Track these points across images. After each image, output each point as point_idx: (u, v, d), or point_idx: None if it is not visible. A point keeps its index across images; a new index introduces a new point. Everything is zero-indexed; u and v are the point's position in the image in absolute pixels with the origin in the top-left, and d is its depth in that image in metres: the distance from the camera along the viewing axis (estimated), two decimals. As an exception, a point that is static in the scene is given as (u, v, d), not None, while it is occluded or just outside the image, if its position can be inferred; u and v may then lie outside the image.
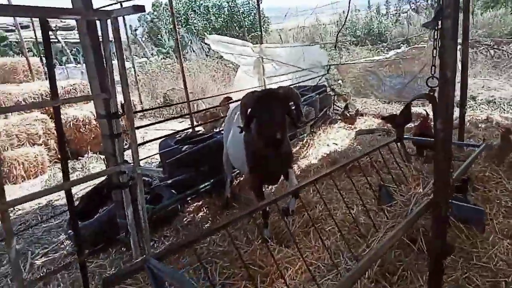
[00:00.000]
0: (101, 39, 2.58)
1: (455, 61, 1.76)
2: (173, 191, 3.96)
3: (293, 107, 2.82)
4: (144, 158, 5.27)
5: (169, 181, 3.92)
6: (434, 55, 2.13)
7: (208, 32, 17.69)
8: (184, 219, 3.81)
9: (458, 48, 4.92)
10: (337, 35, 7.33)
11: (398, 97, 7.55)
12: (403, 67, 7.33)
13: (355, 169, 4.11)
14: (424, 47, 7.18)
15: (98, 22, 2.44)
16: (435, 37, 2.05)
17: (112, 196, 3.27)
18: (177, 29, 6.76)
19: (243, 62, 8.43)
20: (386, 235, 2.44)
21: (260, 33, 8.43)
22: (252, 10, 20.10)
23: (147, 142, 4.21)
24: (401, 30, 18.94)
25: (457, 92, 4.70)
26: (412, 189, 2.90)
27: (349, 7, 7.49)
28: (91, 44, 2.56)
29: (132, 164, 2.81)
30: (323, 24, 20.72)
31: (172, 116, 5.27)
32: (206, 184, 4.06)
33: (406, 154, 3.48)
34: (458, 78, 4.69)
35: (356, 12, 20.75)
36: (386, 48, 14.60)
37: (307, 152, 5.81)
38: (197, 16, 19.65)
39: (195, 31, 18.51)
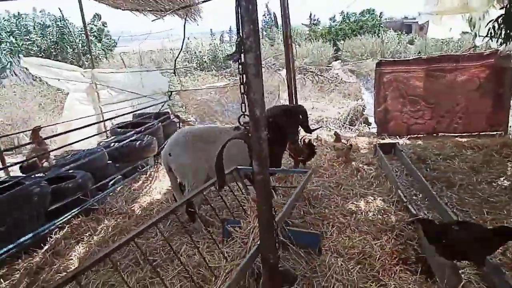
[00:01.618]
0: None
1: (263, 98, 1.60)
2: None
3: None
4: None
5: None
6: (242, 91, 1.85)
7: (32, 54, 15.38)
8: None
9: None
10: (175, 60, 7.17)
11: (241, 122, 7.78)
12: (243, 93, 7.60)
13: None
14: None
15: None
16: (240, 72, 1.85)
17: None
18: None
19: (73, 88, 7.42)
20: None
21: (90, 57, 7.59)
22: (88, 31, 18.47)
23: None
24: (243, 57, 20.37)
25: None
26: (252, 222, 2.79)
27: (184, 34, 7.48)
28: None
29: None
30: (170, 50, 20.60)
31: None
32: (9, 247, 3.11)
33: (244, 185, 3.42)
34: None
35: (199, 39, 21.41)
36: (230, 74, 15.31)
37: (151, 186, 5.32)
38: (18, 36, 16.87)
39: (14, 52, 15.81)
